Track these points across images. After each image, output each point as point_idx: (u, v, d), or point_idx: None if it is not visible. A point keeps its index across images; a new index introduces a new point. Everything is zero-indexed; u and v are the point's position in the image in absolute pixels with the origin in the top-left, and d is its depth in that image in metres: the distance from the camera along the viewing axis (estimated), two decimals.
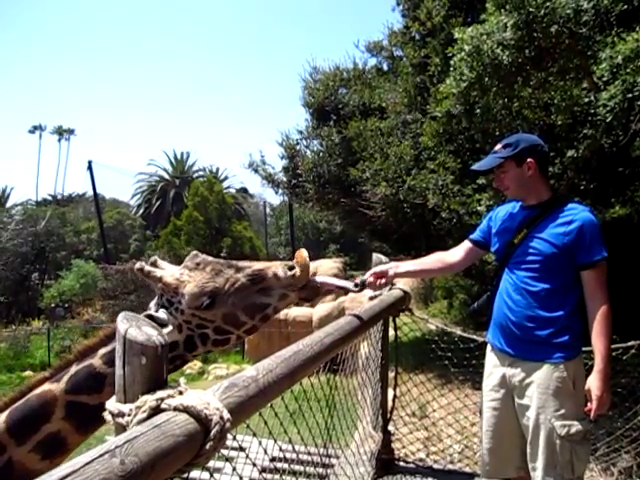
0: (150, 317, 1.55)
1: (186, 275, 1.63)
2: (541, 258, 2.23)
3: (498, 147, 2.37)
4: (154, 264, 1.71)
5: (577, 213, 2.21)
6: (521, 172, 2.27)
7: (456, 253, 2.59)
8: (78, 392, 1.55)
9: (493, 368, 2.43)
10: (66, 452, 1.58)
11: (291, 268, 1.64)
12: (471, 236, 2.58)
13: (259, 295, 1.61)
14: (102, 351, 1.60)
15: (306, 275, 1.63)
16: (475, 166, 2.53)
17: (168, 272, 1.67)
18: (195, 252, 1.73)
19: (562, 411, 2.17)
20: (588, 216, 2.21)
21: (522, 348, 2.28)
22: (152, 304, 1.67)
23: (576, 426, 2.16)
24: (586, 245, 2.17)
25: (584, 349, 2.31)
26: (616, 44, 3.84)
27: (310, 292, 1.65)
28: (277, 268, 1.64)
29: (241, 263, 1.68)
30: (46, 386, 1.57)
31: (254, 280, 1.61)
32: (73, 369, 1.59)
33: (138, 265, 1.65)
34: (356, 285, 2.11)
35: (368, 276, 2.33)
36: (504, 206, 2.52)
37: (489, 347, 2.48)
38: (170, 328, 1.57)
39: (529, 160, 2.25)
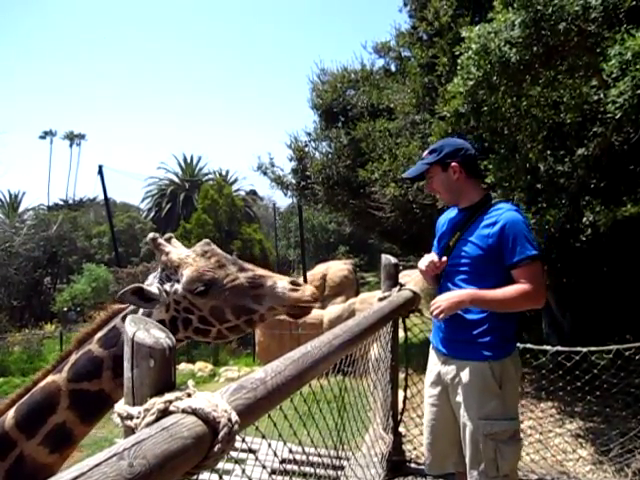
0: (140, 290, 1.57)
1: (191, 258, 1.66)
2: (470, 260, 2.29)
3: (425, 153, 2.46)
4: (168, 240, 1.76)
5: (501, 214, 2.25)
6: (447, 176, 2.35)
7: None
8: (79, 379, 1.57)
9: (432, 365, 2.53)
10: (73, 444, 1.60)
11: (295, 286, 1.65)
12: (434, 252, 2.60)
13: (251, 300, 1.62)
14: (98, 335, 1.63)
15: (304, 301, 1.65)
16: (404, 174, 2.64)
17: (177, 251, 1.70)
18: (207, 240, 1.76)
19: (486, 409, 2.23)
20: (511, 216, 2.23)
21: (452, 347, 2.37)
22: (151, 276, 1.71)
23: (500, 425, 2.22)
24: (509, 246, 2.19)
25: (520, 345, 2.44)
26: (625, 40, 3.80)
27: (299, 312, 1.66)
28: (278, 281, 1.65)
29: (246, 265, 1.70)
30: (49, 378, 1.60)
31: (252, 284, 1.63)
32: (73, 357, 1.61)
33: (151, 235, 1.71)
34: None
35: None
36: (447, 211, 2.59)
37: (431, 346, 2.57)
38: (157, 306, 1.59)
39: (453, 164, 2.32)
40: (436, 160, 2.36)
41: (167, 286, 1.63)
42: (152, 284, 1.66)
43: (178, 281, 1.63)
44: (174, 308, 1.63)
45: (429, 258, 2.39)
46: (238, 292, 1.61)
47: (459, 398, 2.32)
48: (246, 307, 1.61)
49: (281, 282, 1.64)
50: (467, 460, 2.30)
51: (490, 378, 2.24)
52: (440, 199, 2.54)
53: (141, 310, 1.64)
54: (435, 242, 2.58)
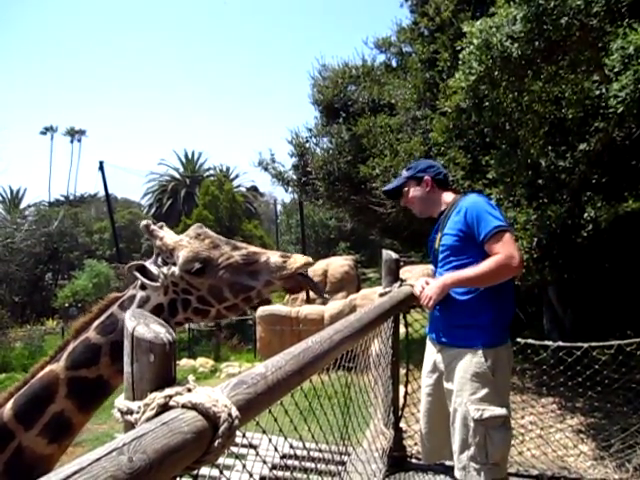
0: (142, 267, 1.63)
1: (185, 241, 1.70)
2: (450, 251, 2.48)
3: (403, 171, 2.77)
4: (160, 227, 1.79)
5: (464, 202, 2.47)
6: (421, 189, 2.64)
7: None
8: (77, 367, 1.59)
9: (428, 355, 2.66)
10: (71, 434, 1.60)
11: (286, 257, 1.70)
12: (432, 267, 2.81)
13: (247, 277, 1.66)
14: (96, 323, 1.65)
15: (297, 267, 1.68)
16: (384, 188, 2.98)
17: (170, 235, 1.75)
18: (199, 224, 1.80)
19: (478, 395, 2.32)
20: (472, 200, 2.45)
21: (447, 334, 2.49)
22: (147, 262, 1.73)
23: (490, 411, 2.30)
24: (476, 225, 2.37)
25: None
26: (627, 35, 3.78)
27: (294, 284, 1.70)
28: (272, 255, 1.69)
29: (239, 244, 1.74)
30: (47, 368, 1.61)
31: (247, 260, 1.67)
32: (71, 346, 1.63)
33: (145, 222, 1.75)
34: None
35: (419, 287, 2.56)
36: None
37: (427, 337, 2.71)
38: (159, 283, 1.63)
39: (425, 178, 2.62)
40: (411, 175, 2.66)
41: (164, 269, 1.66)
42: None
43: (174, 264, 1.66)
44: (172, 290, 1.66)
45: (422, 281, 2.57)
46: (234, 270, 1.65)
47: (452, 385, 2.41)
48: (243, 284, 1.65)
49: (274, 256, 1.69)
50: (456, 446, 2.36)
51: (484, 365, 2.33)
52: (415, 212, 2.75)
53: (138, 296, 1.66)
54: (429, 256, 2.77)
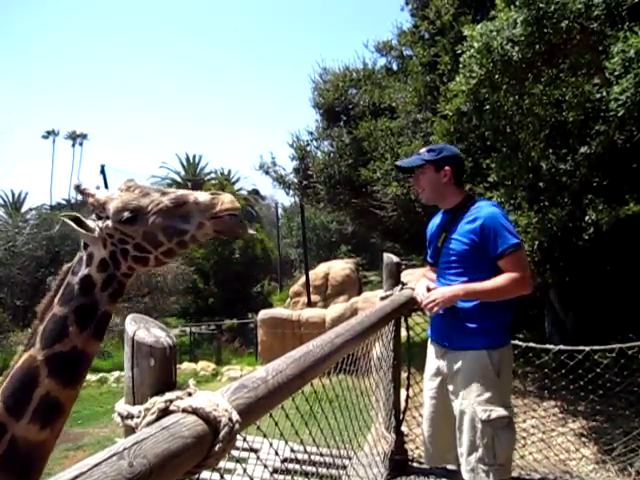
0: (78, 219, 1.68)
1: (116, 194, 1.72)
2: (457, 257, 2.44)
3: (423, 150, 2.60)
4: (97, 189, 1.82)
5: (480, 210, 2.41)
6: (437, 177, 2.50)
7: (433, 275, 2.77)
8: (51, 344, 1.60)
9: (431, 359, 2.63)
10: (62, 414, 1.60)
11: (214, 196, 1.70)
12: (428, 259, 2.76)
13: (180, 220, 1.67)
14: (57, 297, 1.67)
15: (223, 208, 1.67)
16: (399, 162, 2.80)
17: (103, 191, 1.78)
18: (130, 178, 1.82)
19: (484, 396, 2.32)
20: (489, 212, 2.39)
21: (451, 338, 2.47)
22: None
23: (497, 412, 2.30)
24: (491, 239, 2.34)
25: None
26: (628, 38, 3.79)
27: (225, 226, 1.69)
28: (200, 196, 1.69)
29: (169, 189, 1.76)
30: (25, 355, 1.62)
31: (176, 203, 1.67)
32: (41, 328, 1.65)
33: (76, 182, 1.80)
34: None
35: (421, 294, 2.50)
36: (433, 218, 2.72)
37: (429, 340, 2.68)
38: (96, 234, 1.67)
39: (446, 168, 2.48)
40: (433, 159, 2.50)
41: (99, 223, 1.70)
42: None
43: (108, 217, 1.69)
44: (110, 242, 1.69)
45: (423, 286, 2.53)
46: (165, 214, 1.66)
47: (457, 387, 2.40)
48: (176, 227, 1.67)
49: (202, 196, 1.69)
50: (463, 449, 2.36)
51: (489, 366, 2.34)
52: (421, 196, 2.64)
53: (84, 256, 1.69)
54: (428, 249, 2.72)
